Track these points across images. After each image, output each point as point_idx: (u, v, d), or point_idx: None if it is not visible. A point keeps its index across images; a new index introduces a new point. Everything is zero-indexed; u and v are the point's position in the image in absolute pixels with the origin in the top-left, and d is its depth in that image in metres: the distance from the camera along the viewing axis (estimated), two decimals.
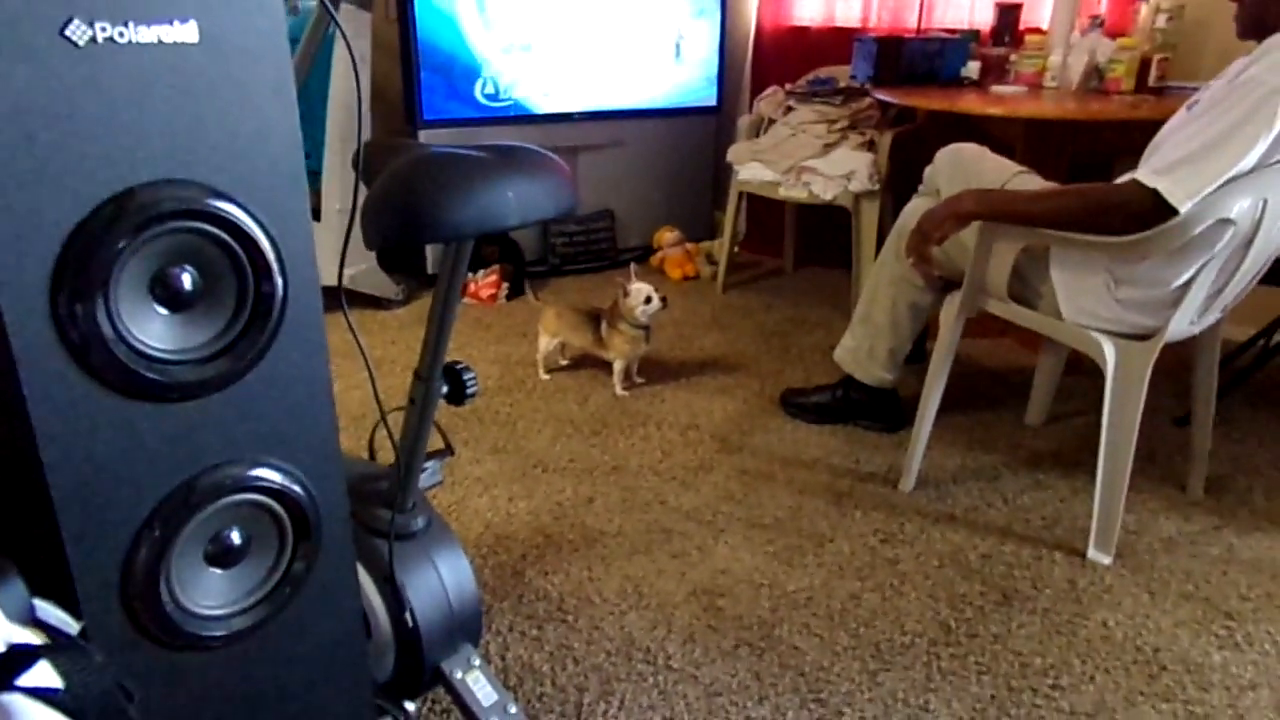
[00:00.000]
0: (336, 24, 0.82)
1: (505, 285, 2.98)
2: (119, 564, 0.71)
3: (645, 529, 1.73)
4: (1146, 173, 1.41)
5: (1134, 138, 1.65)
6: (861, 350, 2.04)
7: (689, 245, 3.31)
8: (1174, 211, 1.39)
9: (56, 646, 0.49)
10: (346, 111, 2.55)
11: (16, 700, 0.42)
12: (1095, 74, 2.47)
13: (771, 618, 1.48)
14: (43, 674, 0.44)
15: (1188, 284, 1.50)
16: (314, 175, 2.66)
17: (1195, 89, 1.59)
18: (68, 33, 0.59)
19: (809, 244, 3.32)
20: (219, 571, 0.79)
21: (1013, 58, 2.67)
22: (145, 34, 0.63)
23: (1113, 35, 2.53)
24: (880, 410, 2.11)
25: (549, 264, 3.25)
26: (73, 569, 0.68)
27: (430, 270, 3.09)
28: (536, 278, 3.18)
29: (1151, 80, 2.45)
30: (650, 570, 1.60)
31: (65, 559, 0.68)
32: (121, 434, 0.69)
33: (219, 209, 0.69)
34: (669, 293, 2.34)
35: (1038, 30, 2.77)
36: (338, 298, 0.94)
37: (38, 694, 0.43)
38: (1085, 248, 1.56)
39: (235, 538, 0.78)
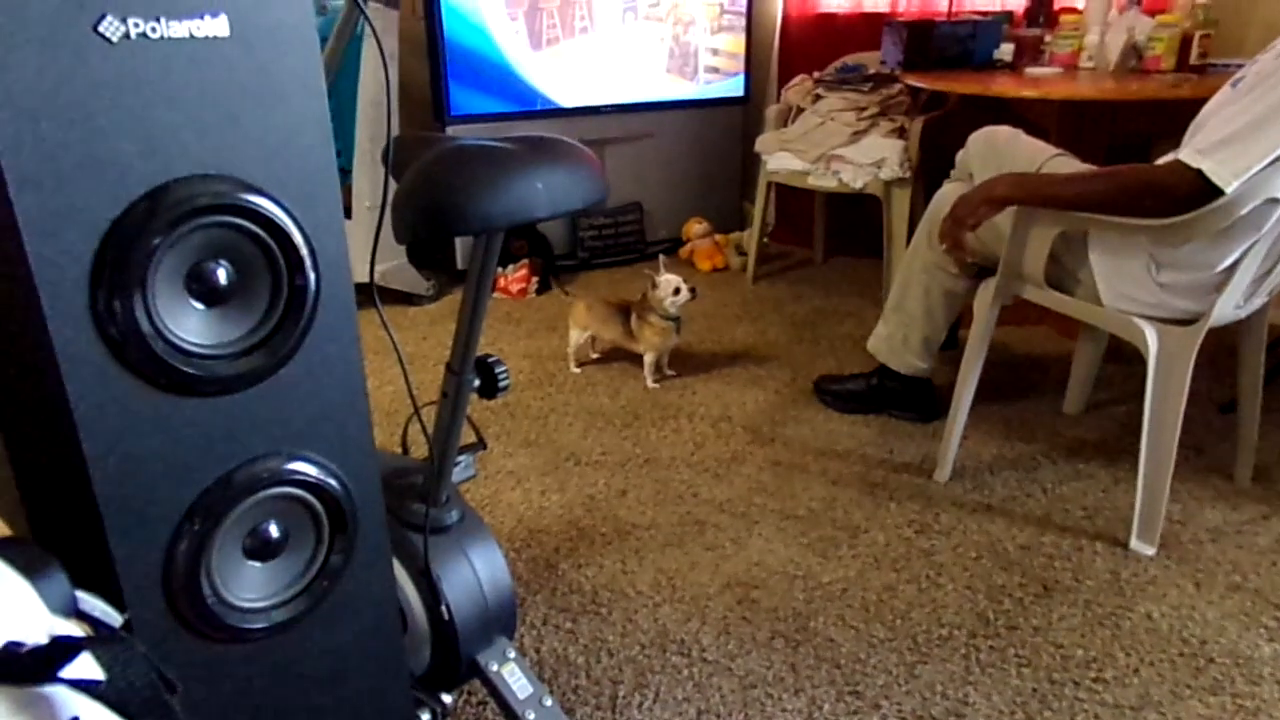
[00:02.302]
0: (366, 18, 0.82)
1: (535, 280, 2.98)
2: (160, 557, 0.72)
3: (678, 521, 1.72)
4: (1190, 153, 1.37)
5: (1174, 118, 1.61)
6: (895, 339, 2.02)
7: (718, 237, 3.30)
8: (1219, 192, 1.35)
9: (99, 638, 0.50)
10: (376, 109, 2.57)
11: (60, 692, 0.42)
12: (1134, 53, 2.41)
13: (806, 610, 1.47)
14: (85, 666, 0.44)
15: (1233, 267, 1.46)
16: (344, 173, 2.68)
17: (1240, 66, 1.54)
18: (101, 29, 0.60)
19: (839, 233, 3.29)
20: (258, 564, 0.79)
21: (1048, 39, 2.62)
22: (177, 29, 0.63)
23: (1152, 13, 2.47)
24: (914, 399, 2.08)
25: (578, 258, 3.25)
26: (116, 562, 0.69)
27: (460, 266, 3.11)
28: (565, 271, 3.18)
29: (1193, 58, 2.38)
30: (684, 563, 1.60)
31: (108, 552, 0.69)
32: (160, 428, 0.69)
33: (252, 203, 0.69)
34: (698, 284, 2.33)
35: (1073, 10, 2.71)
36: (370, 294, 0.95)
37: (80, 685, 0.43)
38: (1125, 231, 1.52)
39: (273, 531, 0.79)
